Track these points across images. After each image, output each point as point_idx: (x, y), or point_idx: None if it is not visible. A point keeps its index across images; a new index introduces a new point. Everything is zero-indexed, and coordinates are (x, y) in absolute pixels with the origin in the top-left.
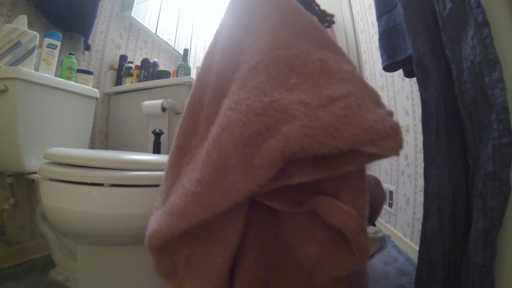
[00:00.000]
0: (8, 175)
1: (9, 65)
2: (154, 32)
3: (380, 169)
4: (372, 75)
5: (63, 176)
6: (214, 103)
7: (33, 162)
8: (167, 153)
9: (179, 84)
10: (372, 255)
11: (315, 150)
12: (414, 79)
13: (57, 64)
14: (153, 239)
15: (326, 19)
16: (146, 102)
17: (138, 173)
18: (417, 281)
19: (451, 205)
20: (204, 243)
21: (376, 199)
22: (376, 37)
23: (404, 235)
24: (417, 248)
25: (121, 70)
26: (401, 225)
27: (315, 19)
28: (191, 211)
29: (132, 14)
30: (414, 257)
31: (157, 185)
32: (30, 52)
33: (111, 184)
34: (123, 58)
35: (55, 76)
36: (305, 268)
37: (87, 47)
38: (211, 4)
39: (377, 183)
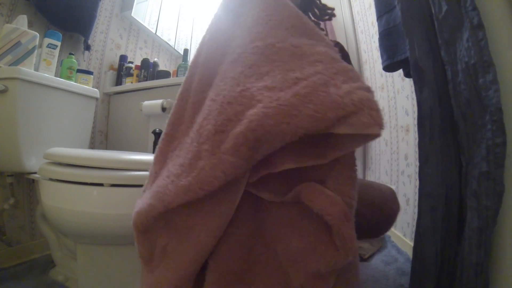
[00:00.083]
0: (8, 175)
1: (9, 65)
2: (154, 32)
3: (380, 169)
4: (372, 75)
5: (63, 176)
6: (199, 92)
7: (33, 162)
8: None
9: (179, 84)
10: (372, 255)
11: (279, 132)
12: None
13: (57, 64)
14: (136, 220)
15: (327, 12)
16: (146, 102)
17: (138, 173)
18: (411, 277)
19: (444, 205)
20: (180, 238)
21: (388, 210)
22: (376, 37)
23: (404, 235)
24: None
25: (121, 70)
26: (401, 225)
27: (295, 8)
28: (168, 194)
29: (132, 14)
30: None
31: None
32: (30, 52)
33: (111, 184)
34: (123, 58)
35: (55, 76)
36: (283, 266)
37: (87, 47)
38: (211, 4)
39: (391, 193)
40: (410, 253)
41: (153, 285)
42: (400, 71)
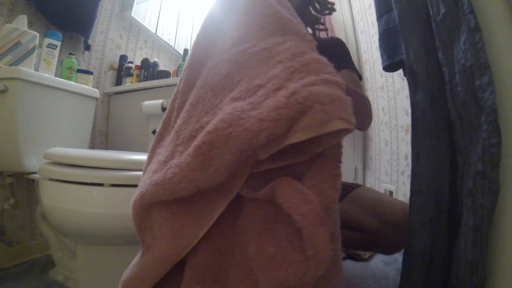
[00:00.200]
0: (8, 175)
1: (9, 65)
2: (154, 32)
3: (380, 169)
4: (372, 75)
5: (63, 176)
6: (183, 93)
7: (33, 162)
8: None
9: None
10: (372, 255)
11: (227, 149)
12: None
13: (57, 64)
14: (131, 209)
15: (327, 6)
16: (146, 102)
17: (138, 173)
18: (402, 270)
19: (434, 203)
20: (159, 232)
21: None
22: (376, 37)
23: None
24: None
25: (121, 70)
26: None
27: (273, 4)
28: (145, 189)
29: (132, 14)
30: None
31: None
32: (30, 52)
33: (111, 184)
34: (123, 58)
35: (55, 76)
36: (254, 272)
37: (87, 47)
38: (211, 4)
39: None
40: None
41: (140, 266)
42: (400, 71)
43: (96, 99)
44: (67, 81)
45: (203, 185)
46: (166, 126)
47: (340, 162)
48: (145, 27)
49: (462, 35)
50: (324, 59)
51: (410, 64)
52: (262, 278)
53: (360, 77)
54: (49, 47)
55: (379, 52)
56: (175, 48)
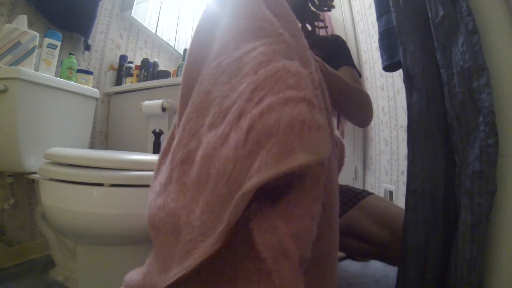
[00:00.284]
0: (8, 175)
1: (9, 65)
2: (154, 32)
3: (380, 169)
4: (372, 75)
5: (63, 176)
6: (181, 110)
7: (33, 162)
8: None
9: (179, 84)
10: None
11: (211, 189)
12: None
13: (57, 64)
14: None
15: (326, 2)
16: (146, 102)
17: (138, 173)
18: (398, 265)
19: (429, 202)
20: (157, 252)
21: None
22: (376, 37)
23: None
24: None
25: (121, 70)
26: None
27: (256, 3)
28: (149, 210)
29: (132, 14)
30: None
31: None
32: (30, 52)
33: (111, 184)
34: (123, 58)
35: (55, 76)
36: None
37: (87, 47)
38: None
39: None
40: None
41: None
42: (400, 71)
43: (96, 99)
44: (67, 81)
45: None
46: (171, 141)
47: (319, 183)
48: (145, 27)
49: (460, 37)
50: (293, 65)
51: (407, 67)
52: None
53: (360, 75)
54: (49, 47)
55: (379, 52)
56: (175, 48)
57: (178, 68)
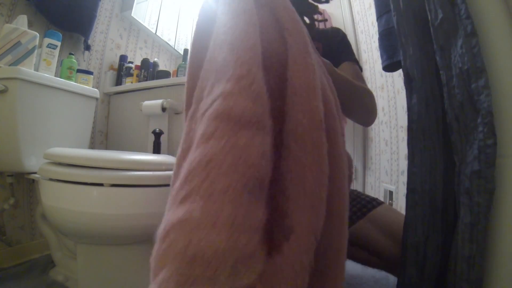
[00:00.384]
0: (8, 175)
1: (9, 65)
2: (154, 32)
3: (380, 169)
4: (372, 75)
5: (63, 176)
6: (188, 105)
7: (33, 162)
8: (167, 153)
9: (179, 84)
10: None
11: None
12: None
13: (57, 64)
14: None
15: None
16: (146, 102)
17: (138, 173)
18: (400, 263)
19: (428, 200)
20: None
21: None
22: (376, 37)
23: None
24: None
25: (121, 70)
26: None
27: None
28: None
29: (132, 14)
30: None
31: (157, 185)
32: (30, 52)
33: (111, 184)
34: (123, 58)
35: (55, 76)
36: None
37: (87, 47)
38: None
39: None
40: None
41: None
42: (400, 71)
43: (96, 99)
44: (67, 81)
45: None
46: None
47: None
48: (145, 27)
49: (459, 40)
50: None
51: (407, 69)
52: None
53: (361, 69)
54: (49, 47)
55: (379, 52)
56: (175, 48)
57: (178, 68)
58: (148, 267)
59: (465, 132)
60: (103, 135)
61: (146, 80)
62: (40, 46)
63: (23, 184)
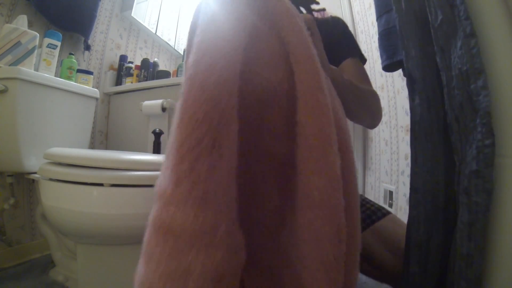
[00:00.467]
0: (8, 175)
1: (9, 65)
2: (154, 32)
3: (380, 169)
4: (372, 75)
5: (63, 176)
6: None
7: (33, 162)
8: None
9: (179, 84)
10: None
11: None
12: None
13: (57, 64)
14: None
15: None
16: (146, 102)
17: (138, 173)
18: (403, 262)
19: (430, 200)
20: None
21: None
22: (376, 37)
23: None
24: None
25: (121, 70)
26: None
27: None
28: None
29: (132, 14)
30: None
31: None
32: (30, 52)
33: (111, 184)
34: (123, 58)
35: (55, 76)
36: None
37: (87, 47)
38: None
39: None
40: None
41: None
42: (400, 71)
43: (96, 99)
44: (67, 81)
45: None
46: None
47: None
48: (145, 27)
49: (458, 41)
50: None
51: (409, 70)
52: None
53: (365, 60)
54: (49, 47)
55: (379, 52)
56: (175, 48)
57: (178, 68)
58: None
59: (465, 132)
60: (103, 135)
61: (146, 80)
62: (40, 46)
63: (23, 184)
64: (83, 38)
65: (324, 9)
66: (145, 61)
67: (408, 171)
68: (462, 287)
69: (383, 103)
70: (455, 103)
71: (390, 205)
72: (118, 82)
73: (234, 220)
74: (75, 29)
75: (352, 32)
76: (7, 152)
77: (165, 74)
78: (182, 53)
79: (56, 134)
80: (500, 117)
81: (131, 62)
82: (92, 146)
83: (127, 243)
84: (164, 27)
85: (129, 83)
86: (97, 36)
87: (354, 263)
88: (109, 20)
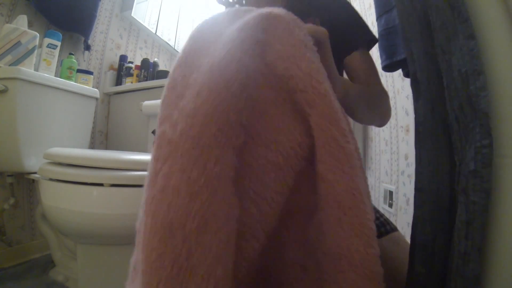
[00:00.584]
0: (8, 175)
1: (9, 65)
2: (154, 32)
3: (380, 169)
4: None
5: (63, 176)
6: None
7: (33, 162)
8: None
9: None
10: None
11: None
12: None
13: (57, 64)
14: None
15: None
16: (146, 102)
17: (138, 173)
18: (408, 261)
19: (434, 200)
20: None
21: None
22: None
23: (405, 235)
24: None
25: (121, 70)
26: (401, 225)
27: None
28: None
29: (132, 14)
30: None
31: None
32: (30, 52)
33: (111, 184)
34: (123, 58)
35: (55, 76)
36: None
37: (87, 47)
38: (211, 5)
39: None
40: None
41: None
42: (400, 71)
43: (96, 99)
44: (67, 81)
45: None
46: None
47: None
48: (145, 27)
49: (458, 42)
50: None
51: (414, 73)
52: None
53: (376, 40)
54: (49, 47)
55: (379, 52)
56: (175, 48)
57: None
58: None
59: (465, 132)
60: (103, 135)
61: (146, 80)
62: (40, 46)
63: (23, 184)
64: (83, 38)
65: None
66: (145, 61)
67: (408, 171)
68: (459, 285)
69: None
70: (455, 104)
71: (390, 205)
72: (118, 82)
73: None
74: (75, 29)
75: None
76: (7, 152)
77: (165, 74)
78: None
79: (56, 134)
80: (500, 117)
81: (131, 62)
82: (92, 146)
83: (127, 243)
84: (164, 27)
85: (129, 83)
86: (97, 36)
87: None
88: (109, 20)
